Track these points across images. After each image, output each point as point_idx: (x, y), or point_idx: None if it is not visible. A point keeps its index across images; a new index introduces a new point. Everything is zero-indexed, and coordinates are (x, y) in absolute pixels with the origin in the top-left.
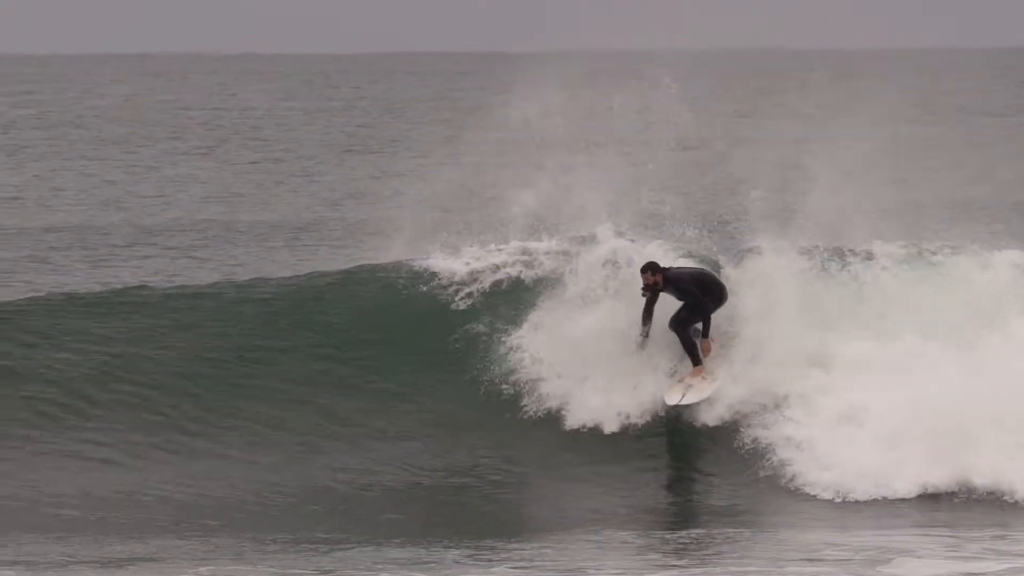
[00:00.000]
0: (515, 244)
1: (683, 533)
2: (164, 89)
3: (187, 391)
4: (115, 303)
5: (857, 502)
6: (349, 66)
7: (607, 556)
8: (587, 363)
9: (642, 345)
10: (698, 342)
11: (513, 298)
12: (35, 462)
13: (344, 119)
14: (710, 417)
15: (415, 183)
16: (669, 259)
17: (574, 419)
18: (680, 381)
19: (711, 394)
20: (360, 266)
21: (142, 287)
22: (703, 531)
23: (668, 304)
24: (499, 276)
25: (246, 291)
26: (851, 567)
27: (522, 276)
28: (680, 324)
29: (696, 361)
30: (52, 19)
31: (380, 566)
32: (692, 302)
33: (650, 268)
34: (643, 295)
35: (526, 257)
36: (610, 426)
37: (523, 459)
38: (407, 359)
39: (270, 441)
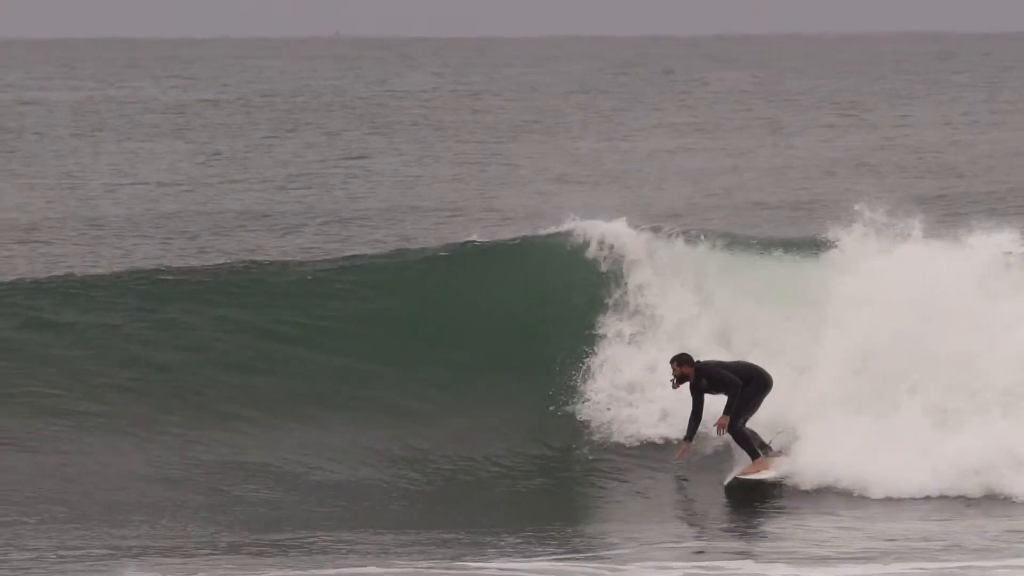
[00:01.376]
0: (645, 236)
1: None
2: (329, 73)
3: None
4: (268, 276)
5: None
6: (517, 49)
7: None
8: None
9: (685, 451)
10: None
11: (624, 297)
12: (158, 440)
13: (499, 101)
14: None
15: (572, 165)
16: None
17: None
18: (740, 475)
19: (772, 476)
20: (468, 245)
21: (302, 262)
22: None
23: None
24: (619, 269)
25: (360, 267)
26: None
27: (645, 274)
28: (730, 422)
29: (754, 455)
30: (219, 2)
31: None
32: (726, 389)
33: (677, 360)
34: (673, 387)
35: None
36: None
37: (600, 462)
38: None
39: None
